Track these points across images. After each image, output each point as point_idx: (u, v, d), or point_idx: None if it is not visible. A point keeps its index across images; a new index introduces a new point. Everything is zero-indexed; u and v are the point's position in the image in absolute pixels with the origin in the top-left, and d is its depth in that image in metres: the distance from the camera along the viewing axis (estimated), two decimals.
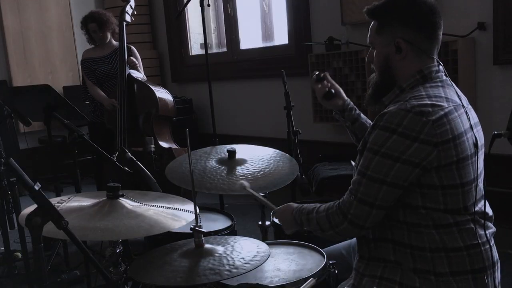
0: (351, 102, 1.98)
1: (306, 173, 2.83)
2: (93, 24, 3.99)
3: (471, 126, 1.53)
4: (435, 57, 1.59)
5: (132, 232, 1.61)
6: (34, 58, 5.96)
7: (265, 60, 5.23)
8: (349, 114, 1.94)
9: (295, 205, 1.73)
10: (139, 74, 3.97)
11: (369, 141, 1.49)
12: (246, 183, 2.01)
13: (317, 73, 1.99)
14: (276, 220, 1.84)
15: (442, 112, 1.45)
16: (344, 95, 1.97)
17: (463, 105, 1.54)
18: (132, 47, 4.05)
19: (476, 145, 1.51)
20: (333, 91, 1.95)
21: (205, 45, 3.58)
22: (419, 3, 1.55)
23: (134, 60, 3.96)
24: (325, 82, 1.97)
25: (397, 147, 1.43)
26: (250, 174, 2.12)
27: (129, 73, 3.86)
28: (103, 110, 3.96)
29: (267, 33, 5.53)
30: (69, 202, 1.77)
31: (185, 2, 3.69)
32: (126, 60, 3.85)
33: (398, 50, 1.56)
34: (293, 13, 4.87)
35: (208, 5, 3.58)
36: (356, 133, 1.95)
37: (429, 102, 1.46)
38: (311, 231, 1.69)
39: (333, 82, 1.99)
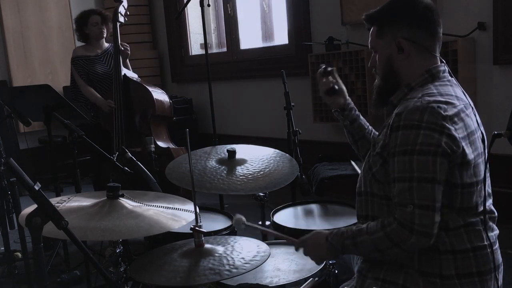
0: (352, 102, 1.96)
1: (306, 173, 2.83)
2: (96, 16, 3.91)
3: (478, 125, 1.54)
4: (438, 55, 1.59)
5: (132, 232, 1.61)
6: (34, 58, 5.96)
7: (265, 60, 5.22)
8: (348, 113, 1.92)
9: (325, 231, 1.59)
10: (133, 74, 3.95)
11: (396, 144, 1.44)
12: (243, 218, 1.71)
13: (323, 66, 1.96)
14: (302, 253, 1.63)
15: (455, 110, 1.45)
16: (346, 94, 1.95)
17: (470, 104, 1.55)
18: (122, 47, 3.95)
19: (483, 142, 1.52)
20: (336, 87, 1.92)
21: (205, 45, 3.58)
22: (416, 2, 1.56)
23: (126, 45, 3.90)
24: (330, 78, 1.94)
25: (430, 141, 1.39)
26: (250, 174, 2.12)
27: (125, 74, 3.83)
28: (98, 112, 3.89)
29: (267, 33, 5.52)
30: (69, 202, 1.78)
31: (185, 2, 3.69)
32: (120, 59, 3.79)
33: (400, 50, 1.56)
34: (293, 13, 4.87)
35: (208, 5, 3.59)
36: (353, 134, 1.92)
37: (442, 99, 1.46)
38: (355, 255, 1.63)
39: (339, 79, 1.95)
